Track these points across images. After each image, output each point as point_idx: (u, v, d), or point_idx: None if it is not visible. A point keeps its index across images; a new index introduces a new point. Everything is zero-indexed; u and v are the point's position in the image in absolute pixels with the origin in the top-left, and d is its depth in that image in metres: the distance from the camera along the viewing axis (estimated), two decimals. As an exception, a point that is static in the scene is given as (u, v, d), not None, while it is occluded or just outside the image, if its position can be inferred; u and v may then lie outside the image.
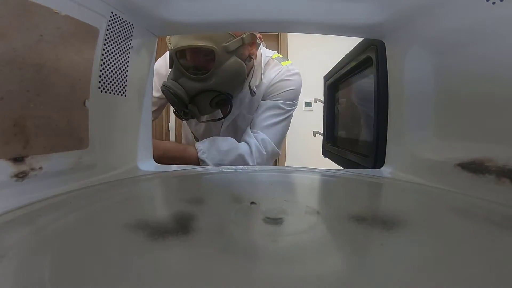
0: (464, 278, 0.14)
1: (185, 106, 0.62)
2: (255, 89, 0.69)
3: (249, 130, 0.69)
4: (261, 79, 0.70)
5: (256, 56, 0.70)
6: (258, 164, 0.65)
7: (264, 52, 0.74)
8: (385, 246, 0.17)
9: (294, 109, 0.74)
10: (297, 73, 0.74)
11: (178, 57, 0.60)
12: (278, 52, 0.82)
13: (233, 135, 0.71)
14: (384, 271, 0.14)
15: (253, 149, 0.65)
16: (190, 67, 0.61)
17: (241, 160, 0.64)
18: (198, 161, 0.62)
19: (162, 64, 0.74)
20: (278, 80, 0.71)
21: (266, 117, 0.69)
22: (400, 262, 0.15)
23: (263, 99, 0.72)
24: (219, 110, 0.69)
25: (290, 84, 0.72)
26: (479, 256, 0.16)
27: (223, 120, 0.70)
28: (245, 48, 0.62)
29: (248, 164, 0.64)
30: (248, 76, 0.68)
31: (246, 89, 0.69)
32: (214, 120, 0.71)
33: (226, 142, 0.65)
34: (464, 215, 0.24)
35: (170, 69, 0.63)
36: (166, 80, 0.63)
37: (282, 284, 0.13)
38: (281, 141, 0.73)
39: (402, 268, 0.15)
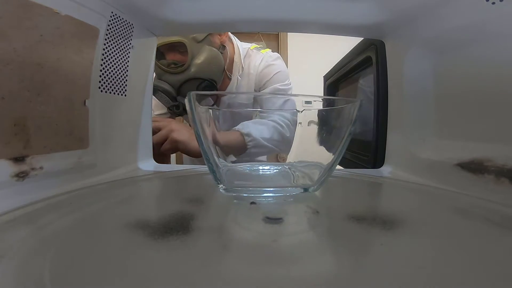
0: (464, 278, 0.14)
1: (174, 99, 0.67)
2: (239, 77, 0.76)
3: (262, 116, 0.71)
4: (243, 68, 0.77)
5: (233, 46, 0.76)
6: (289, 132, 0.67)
7: (241, 45, 0.80)
8: (385, 246, 0.17)
9: (291, 88, 0.81)
10: (279, 57, 0.82)
11: (157, 57, 0.64)
12: (278, 52, 0.85)
13: (232, 126, 0.73)
14: (384, 271, 0.14)
15: (279, 122, 0.67)
16: (169, 64, 0.66)
17: (277, 132, 0.66)
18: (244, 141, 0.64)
19: None
20: (264, 66, 0.77)
21: None
22: (400, 262, 0.15)
23: (256, 89, 0.77)
24: (210, 99, 0.73)
25: (276, 68, 0.78)
26: (478, 256, 0.16)
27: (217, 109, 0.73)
28: (214, 37, 0.69)
29: (285, 136, 0.65)
30: (227, 64, 0.74)
31: (233, 79, 0.75)
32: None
33: (257, 121, 0.67)
34: (464, 214, 0.24)
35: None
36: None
37: (282, 284, 0.13)
38: (294, 115, 0.76)
39: (402, 268, 0.15)
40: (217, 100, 0.68)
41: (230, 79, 0.76)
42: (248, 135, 0.63)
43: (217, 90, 0.71)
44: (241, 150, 0.60)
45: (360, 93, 0.59)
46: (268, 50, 0.83)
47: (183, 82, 0.66)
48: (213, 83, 0.69)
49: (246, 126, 0.64)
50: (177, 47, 0.65)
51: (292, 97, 0.72)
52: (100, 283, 0.13)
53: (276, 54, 0.82)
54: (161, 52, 0.66)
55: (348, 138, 0.26)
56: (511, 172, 0.25)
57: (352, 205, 0.26)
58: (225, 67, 0.73)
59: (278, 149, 0.60)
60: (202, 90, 0.68)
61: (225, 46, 0.72)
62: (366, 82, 0.54)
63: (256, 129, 0.63)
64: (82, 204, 0.25)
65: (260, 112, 0.71)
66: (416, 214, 0.24)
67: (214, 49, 0.69)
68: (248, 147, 0.60)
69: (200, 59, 0.66)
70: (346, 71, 0.64)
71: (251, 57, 0.79)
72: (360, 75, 0.58)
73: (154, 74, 0.68)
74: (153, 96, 0.61)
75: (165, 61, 0.66)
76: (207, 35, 0.66)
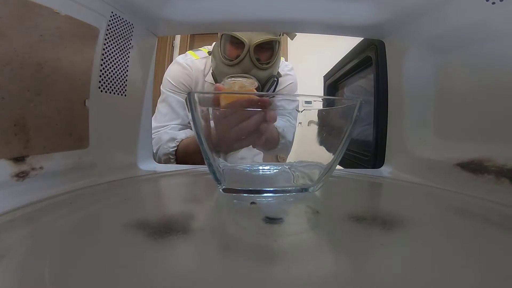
0: (464, 278, 0.14)
1: None
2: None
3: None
4: None
5: None
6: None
7: None
8: (385, 246, 0.17)
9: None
10: (292, 68, 0.86)
11: (253, 51, 0.67)
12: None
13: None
14: (384, 271, 0.14)
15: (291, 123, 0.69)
16: (256, 59, 0.68)
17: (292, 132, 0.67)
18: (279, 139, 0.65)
19: (181, 70, 0.78)
20: (281, 74, 0.79)
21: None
22: (400, 262, 0.15)
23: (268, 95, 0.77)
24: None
25: (290, 79, 0.81)
26: (478, 256, 0.16)
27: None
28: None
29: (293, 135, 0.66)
30: None
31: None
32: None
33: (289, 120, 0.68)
34: (464, 214, 0.24)
35: (224, 64, 0.69)
36: (196, 79, 0.75)
37: (282, 284, 0.13)
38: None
39: (402, 268, 0.15)
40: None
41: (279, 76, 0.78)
42: (283, 136, 0.63)
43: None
44: (271, 147, 0.61)
45: (360, 93, 0.59)
46: (282, 58, 0.85)
47: (268, 78, 0.70)
48: (277, 81, 0.73)
49: (281, 125, 0.64)
50: (266, 43, 0.67)
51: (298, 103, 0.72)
52: (100, 283, 0.13)
53: (290, 65, 0.86)
54: (257, 45, 0.67)
55: (348, 138, 0.26)
56: (511, 172, 0.25)
57: (352, 205, 0.26)
58: None
59: (288, 150, 0.61)
60: (270, 87, 0.72)
61: None
62: (366, 82, 0.54)
63: (289, 131, 0.63)
64: (82, 204, 0.25)
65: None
66: (416, 214, 0.24)
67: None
68: (279, 147, 0.61)
69: (279, 58, 0.71)
70: (346, 71, 0.64)
71: None
72: (360, 75, 0.58)
73: (208, 64, 0.73)
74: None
75: (254, 55, 0.67)
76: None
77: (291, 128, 0.64)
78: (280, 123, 0.64)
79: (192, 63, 0.79)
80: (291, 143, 0.62)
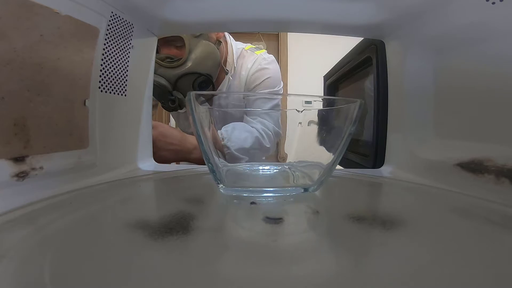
0: (464, 278, 0.14)
1: (170, 93, 0.67)
2: (230, 77, 0.76)
3: (248, 118, 0.71)
4: (235, 68, 0.76)
5: (226, 45, 0.76)
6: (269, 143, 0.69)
7: (235, 44, 0.79)
8: (385, 246, 0.17)
9: (281, 90, 0.81)
10: (273, 60, 0.80)
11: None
12: (278, 52, 0.85)
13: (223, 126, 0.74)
14: (384, 271, 0.14)
15: (261, 132, 0.68)
16: (164, 58, 0.66)
17: (258, 143, 0.66)
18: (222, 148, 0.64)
19: None
20: (255, 69, 0.76)
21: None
22: (400, 262, 0.15)
23: (246, 90, 0.77)
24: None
25: (267, 73, 0.77)
26: (478, 256, 0.16)
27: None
28: (210, 32, 0.69)
29: (264, 146, 0.65)
30: (222, 61, 0.74)
31: (225, 78, 0.75)
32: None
33: (244, 127, 0.67)
34: (464, 214, 0.24)
35: None
36: None
37: (282, 284, 0.13)
38: (278, 122, 0.76)
39: (402, 268, 0.15)
40: (209, 100, 0.69)
41: (227, 73, 0.75)
42: (227, 146, 0.63)
43: (213, 84, 0.71)
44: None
45: (360, 93, 0.59)
46: (264, 52, 0.82)
47: (180, 76, 0.66)
48: (209, 78, 0.69)
49: (228, 134, 0.65)
50: (173, 41, 0.65)
51: (280, 101, 0.72)
52: (100, 283, 0.13)
53: (271, 57, 0.81)
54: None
55: (348, 138, 0.26)
56: (511, 172, 0.25)
57: (352, 205, 0.26)
58: (221, 62, 0.73)
59: (255, 155, 0.61)
60: (199, 85, 0.68)
61: (221, 42, 0.73)
62: (366, 82, 0.54)
63: (240, 139, 0.63)
64: (82, 204, 0.25)
65: (247, 114, 0.72)
66: (416, 214, 0.24)
67: (211, 43, 0.69)
68: (226, 157, 0.62)
69: (197, 54, 0.66)
70: (346, 71, 0.64)
71: (244, 58, 0.78)
72: (360, 75, 0.58)
73: None
74: None
75: (160, 55, 0.66)
76: None
77: (245, 134, 0.64)
78: (229, 131, 0.62)
79: None
80: (247, 149, 0.62)
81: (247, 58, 0.78)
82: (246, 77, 0.77)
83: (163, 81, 0.65)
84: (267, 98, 0.71)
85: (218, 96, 0.63)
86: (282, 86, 0.82)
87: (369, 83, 0.51)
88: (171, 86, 0.66)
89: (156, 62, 0.63)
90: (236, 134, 0.66)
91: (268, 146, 0.65)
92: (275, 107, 0.75)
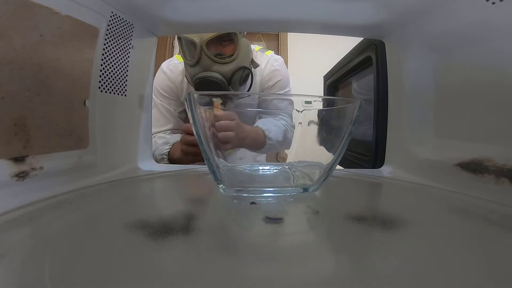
0: (464, 278, 0.14)
1: (225, 89, 0.69)
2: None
3: (266, 116, 0.72)
4: (256, 64, 0.80)
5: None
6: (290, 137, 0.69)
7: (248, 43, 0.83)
8: (385, 246, 0.17)
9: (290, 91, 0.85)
10: (283, 62, 0.84)
11: (206, 48, 0.67)
12: (278, 52, 0.87)
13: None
14: (384, 271, 0.14)
15: (286, 127, 0.69)
16: (216, 55, 0.68)
17: (286, 136, 0.67)
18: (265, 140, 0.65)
19: (164, 77, 0.80)
20: (269, 70, 0.80)
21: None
22: (400, 262, 0.15)
23: (261, 89, 0.80)
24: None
25: (280, 74, 0.81)
26: (478, 256, 0.16)
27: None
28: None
29: (289, 139, 0.66)
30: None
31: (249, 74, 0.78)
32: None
33: (273, 122, 0.68)
34: (464, 214, 0.24)
35: (188, 66, 0.70)
36: (181, 84, 0.75)
37: (282, 284, 0.13)
38: (292, 119, 0.78)
39: (402, 268, 0.15)
40: (251, 84, 0.73)
41: (250, 69, 0.78)
42: (270, 137, 0.64)
43: (252, 74, 0.74)
44: (258, 147, 0.61)
45: (360, 93, 0.59)
46: (272, 52, 0.84)
47: (235, 71, 0.69)
48: (251, 71, 0.73)
49: (267, 127, 0.65)
50: (225, 37, 0.68)
51: (292, 100, 0.72)
52: (100, 283, 0.13)
53: (280, 58, 0.84)
54: (210, 42, 0.67)
55: (348, 138, 0.26)
56: (511, 172, 0.25)
57: (352, 205, 0.26)
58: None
59: (281, 149, 0.61)
60: (243, 79, 0.72)
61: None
62: (366, 82, 0.54)
63: (276, 131, 0.64)
64: (82, 204, 0.25)
65: (261, 113, 0.73)
66: (416, 214, 0.24)
67: (246, 40, 0.73)
68: (266, 147, 0.62)
69: (243, 49, 0.71)
70: (346, 71, 0.64)
71: (256, 58, 0.80)
72: (360, 75, 0.58)
73: (181, 70, 0.75)
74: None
75: (211, 52, 0.68)
76: None
77: (276, 128, 0.64)
78: (266, 124, 0.64)
79: (175, 68, 0.80)
80: (280, 142, 0.62)
81: (259, 58, 0.81)
82: (261, 76, 0.80)
83: (220, 77, 0.67)
84: (281, 99, 0.72)
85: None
86: (291, 86, 0.85)
87: (369, 83, 0.51)
88: (227, 82, 0.69)
89: (210, 59, 0.67)
90: (272, 127, 0.68)
91: (292, 140, 0.65)
92: (288, 106, 0.74)
